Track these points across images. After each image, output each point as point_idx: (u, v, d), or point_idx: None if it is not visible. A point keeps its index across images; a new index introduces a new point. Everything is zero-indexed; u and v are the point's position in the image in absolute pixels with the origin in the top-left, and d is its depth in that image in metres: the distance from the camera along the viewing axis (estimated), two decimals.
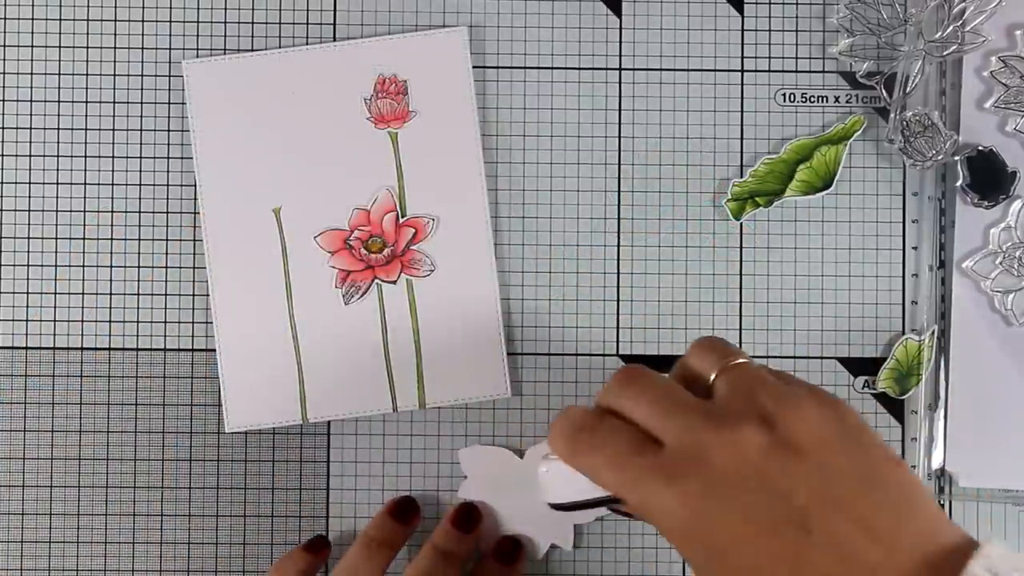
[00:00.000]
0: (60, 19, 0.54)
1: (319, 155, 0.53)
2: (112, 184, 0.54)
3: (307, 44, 0.54)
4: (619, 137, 0.54)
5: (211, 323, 0.53)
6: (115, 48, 0.54)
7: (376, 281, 0.53)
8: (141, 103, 0.54)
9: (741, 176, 0.54)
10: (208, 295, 0.53)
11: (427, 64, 0.53)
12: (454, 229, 0.53)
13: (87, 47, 0.54)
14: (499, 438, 0.54)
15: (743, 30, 0.55)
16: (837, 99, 0.55)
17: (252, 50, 0.54)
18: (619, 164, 0.54)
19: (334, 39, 0.54)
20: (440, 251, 0.53)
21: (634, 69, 0.55)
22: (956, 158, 0.53)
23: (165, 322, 0.54)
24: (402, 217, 0.53)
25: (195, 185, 0.53)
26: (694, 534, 0.36)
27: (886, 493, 0.36)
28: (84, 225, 0.54)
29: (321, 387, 0.53)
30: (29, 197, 0.54)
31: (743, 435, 0.36)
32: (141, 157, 0.54)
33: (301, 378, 0.53)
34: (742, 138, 0.55)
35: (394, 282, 0.53)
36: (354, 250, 0.53)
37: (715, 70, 0.55)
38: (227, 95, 0.53)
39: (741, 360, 0.39)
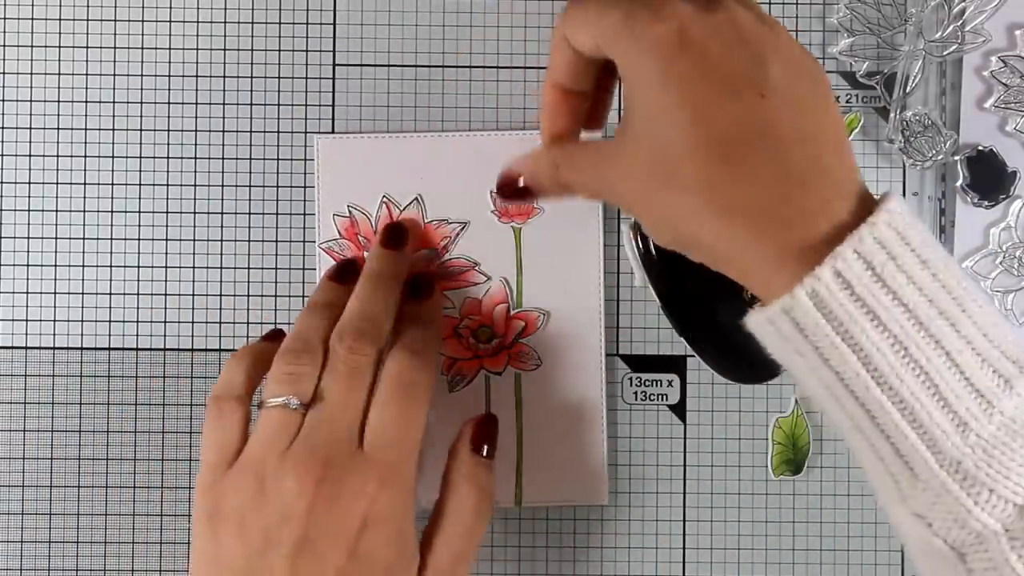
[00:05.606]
0: (60, 19, 0.54)
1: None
2: (112, 184, 0.54)
3: (442, 132, 0.53)
4: None
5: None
6: (115, 48, 0.54)
7: (483, 371, 0.53)
8: (141, 103, 0.54)
9: None
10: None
11: None
12: (564, 325, 0.53)
13: (87, 47, 0.54)
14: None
15: None
16: (837, 99, 0.55)
17: (388, 132, 0.53)
18: None
19: (334, 38, 0.54)
20: (547, 346, 0.53)
21: None
22: (956, 158, 0.53)
23: (165, 322, 0.54)
24: (513, 309, 0.53)
25: (316, 255, 0.53)
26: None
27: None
28: (84, 225, 0.54)
29: (420, 473, 0.52)
30: (29, 197, 0.54)
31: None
32: (141, 157, 0.54)
33: None
34: None
35: (500, 373, 0.53)
36: (463, 338, 0.53)
37: None
38: (358, 172, 0.53)
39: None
